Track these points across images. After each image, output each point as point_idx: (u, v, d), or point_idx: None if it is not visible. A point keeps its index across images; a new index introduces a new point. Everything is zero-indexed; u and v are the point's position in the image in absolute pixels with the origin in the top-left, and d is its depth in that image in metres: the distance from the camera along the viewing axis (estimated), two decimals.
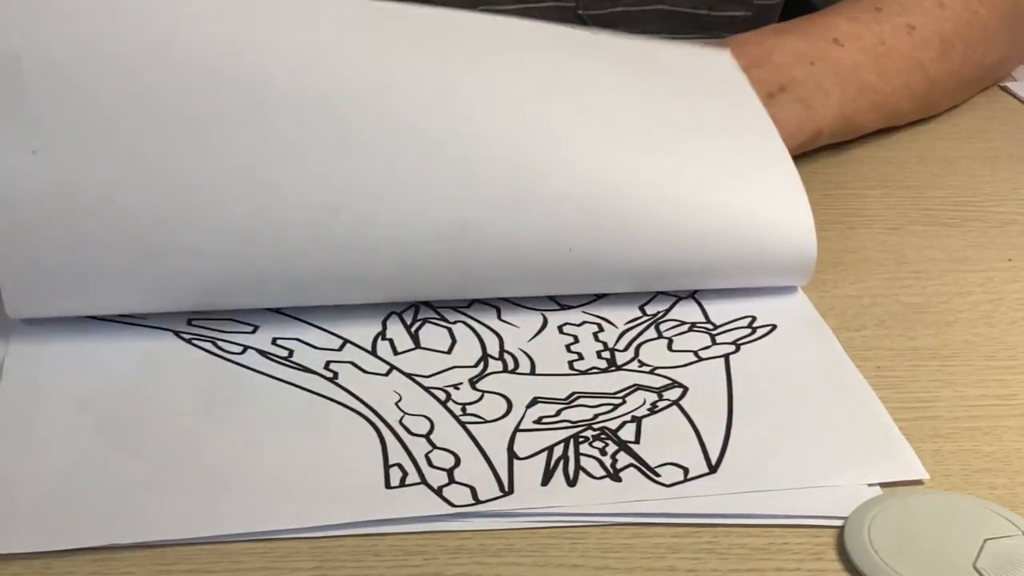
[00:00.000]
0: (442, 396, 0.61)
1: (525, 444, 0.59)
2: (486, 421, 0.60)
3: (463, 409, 0.61)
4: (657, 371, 0.63)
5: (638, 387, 0.62)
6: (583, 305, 0.67)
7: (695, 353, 0.64)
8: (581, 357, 0.64)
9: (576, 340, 0.65)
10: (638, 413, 0.61)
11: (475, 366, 0.63)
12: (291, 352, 0.64)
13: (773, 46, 0.76)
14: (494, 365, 0.64)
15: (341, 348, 0.64)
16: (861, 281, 0.66)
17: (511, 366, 0.63)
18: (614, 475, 0.57)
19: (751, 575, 0.53)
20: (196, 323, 0.65)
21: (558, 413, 0.61)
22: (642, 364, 0.63)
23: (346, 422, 0.60)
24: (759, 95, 0.72)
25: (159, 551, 0.53)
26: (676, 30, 1.04)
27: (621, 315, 0.67)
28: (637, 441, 0.59)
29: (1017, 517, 0.55)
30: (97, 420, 0.59)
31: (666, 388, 0.62)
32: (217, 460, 0.57)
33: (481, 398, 0.61)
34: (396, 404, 0.61)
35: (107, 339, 0.64)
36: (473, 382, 0.62)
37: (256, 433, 0.59)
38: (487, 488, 0.56)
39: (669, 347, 0.65)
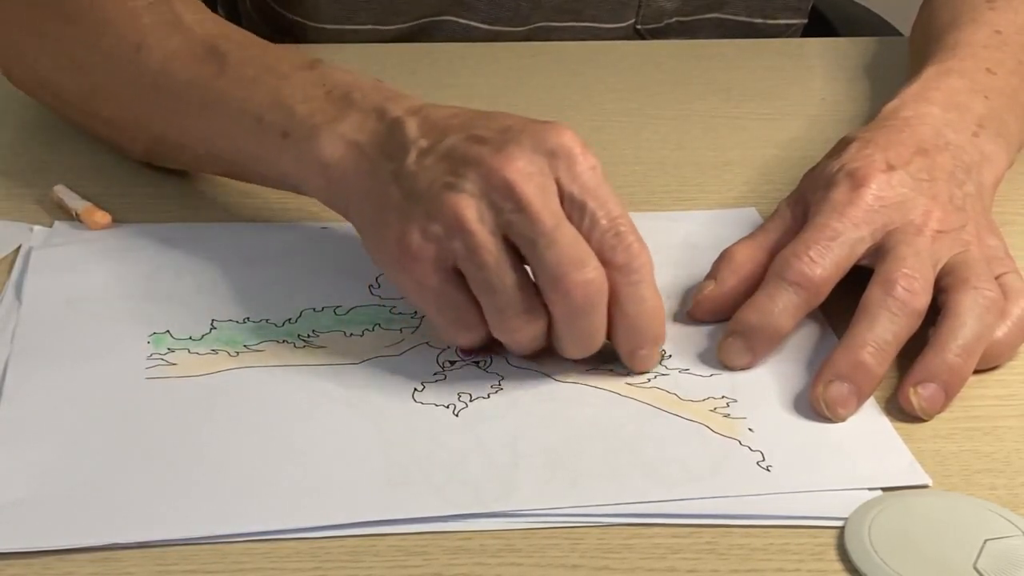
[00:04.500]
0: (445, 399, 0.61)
1: (527, 443, 0.59)
2: (488, 419, 0.60)
3: (464, 407, 0.61)
4: (659, 379, 0.64)
5: (642, 389, 0.62)
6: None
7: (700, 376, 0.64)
8: (592, 365, 0.64)
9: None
10: (641, 412, 0.61)
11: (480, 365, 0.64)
12: (292, 351, 0.64)
13: (948, 89, 0.75)
14: (498, 363, 0.64)
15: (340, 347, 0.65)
16: (860, 283, 0.66)
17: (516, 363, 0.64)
18: (615, 474, 0.57)
19: (751, 575, 0.53)
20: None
21: (561, 412, 0.61)
22: (649, 380, 0.63)
23: (347, 422, 0.60)
24: (965, 135, 0.71)
25: (159, 551, 0.53)
26: (730, 38, 1.04)
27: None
28: (640, 440, 0.59)
29: (1017, 517, 0.55)
30: (98, 421, 0.59)
31: (667, 391, 0.62)
32: (217, 461, 0.57)
33: (485, 397, 0.61)
34: (397, 403, 0.61)
35: (109, 341, 0.64)
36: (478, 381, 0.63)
37: (256, 433, 0.59)
38: (487, 488, 0.56)
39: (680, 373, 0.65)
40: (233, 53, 0.71)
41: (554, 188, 0.60)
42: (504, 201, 0.59)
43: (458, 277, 0.60)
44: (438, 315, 0.62)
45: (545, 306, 0.60)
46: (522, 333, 0.61)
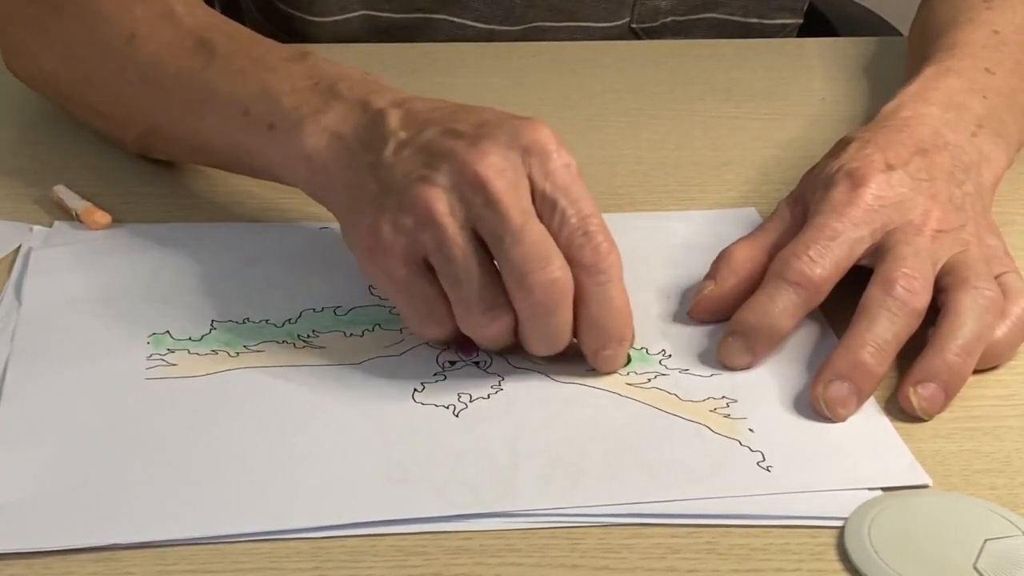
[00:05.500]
0: (446, 400, 0.61)
1: (527, 443, 0.59)
2: (488, 420, 0.60)
3: (464, 407, 0.61)
4: (659, 379, 0.64)
5: (642, 389, 0.62)
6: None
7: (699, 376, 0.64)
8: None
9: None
10: (642, 413, 0.61)
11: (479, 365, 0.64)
12: (292, 352, 0.64)
13: (947, 89, 0.75)
14: (498, 363, 0.64)
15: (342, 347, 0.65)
16: (860, 283, 0.66)
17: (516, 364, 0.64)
18: (616, 475, 0.57)
19: (751, 575, 0.53)
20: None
21: (561, 412, 0.61)
22: (649, 380, 0.63)
23: (347, 422, 0.60)
24: (964, 135, 0.71)
25: (159, 551, 0.53)
26: (725, 37, 1.04)
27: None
28: (640, 441, 0.59)
29: (1017, 517, 0.55)
30: (98, 421, 0.59)
31: (668, 391, 0.62)
32: (217, 460, 0.57)
33: (485, 397, 0.61)
34: (397, 403, 0.61)
35: (109, 342, 0.64)
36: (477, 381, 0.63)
37: (256, 434, 0.59)
38: (487, 488, 0.56)
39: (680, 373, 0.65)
40: (222, 45, 0.71)
41: (526, 184, 0.60)
42: (474, 196, 0.59)
43: (428, 270, 0.61)
44: (407, 307, 0.62)
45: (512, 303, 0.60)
46: (488, 329, 0.61)
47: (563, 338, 0.61)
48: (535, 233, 0.59)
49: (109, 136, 0.80)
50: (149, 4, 0.74)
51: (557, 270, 0.59)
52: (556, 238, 0.60)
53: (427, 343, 0.65)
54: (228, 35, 0.72)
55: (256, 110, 0.67)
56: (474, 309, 0.60)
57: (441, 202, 0.59)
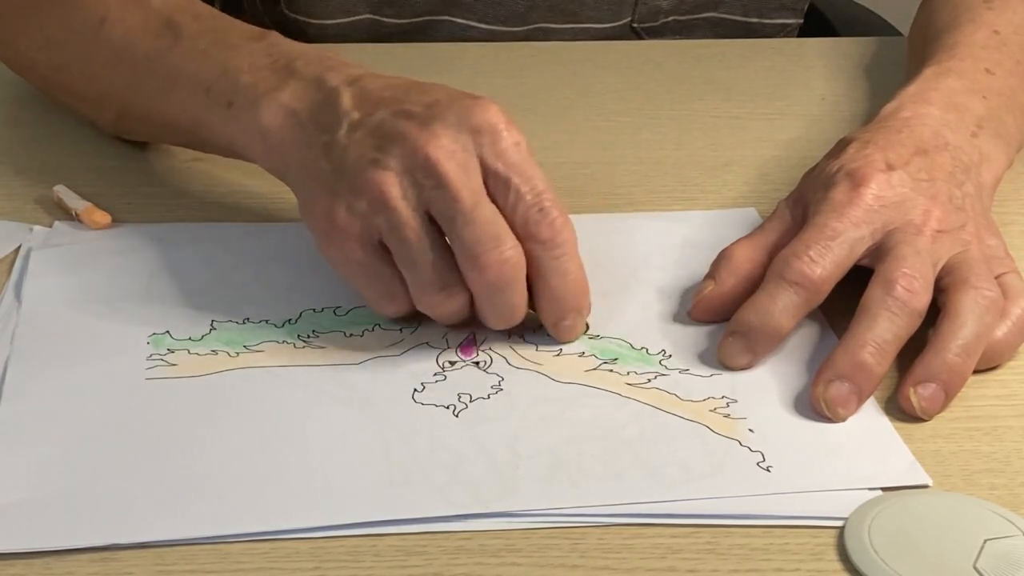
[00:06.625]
0: (447, 400, 0.61)
1: (528, 444, 0.59)
2: (488, 420, 0.60)
3: (464, 407, 0.61)
4: (659, 379, 0.64)
5: (642, 389, 0.62)
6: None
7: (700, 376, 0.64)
8: (593, 366, 0.64)
9: (583, 354, 0.65)
10: (641, 413, 0.61)
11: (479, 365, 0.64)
12: (292, 352, 0.64)
13: (947, 89, 0.75)
14: (498, 363, 0.64)
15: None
16: (860, 283, 0.66)
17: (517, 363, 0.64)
18: (616, 475, 0.57)
19: (751, 575, 0.53)
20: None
21: (561, 412, 0.61)
22: (649, 380, 0.63)
23: (347, 422, 0.60)
24: (964, 135, 0.71)
25: (159, 551, 0.53)
26: (726, 37, 1.04)
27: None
28: (640, 441, 0.59)
29: (1017, 517, 0.55)
30: (98, 421, 0.59)
31: (668, 391, 0.62)
32: (217, 460, 0.57)
33: (485, 397, 0.61)
34: (397, 403, 0.61)
35: (109, 342, 0.64)
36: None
37: (256, 434, 0.59)
38: (488, 488, 0.56)
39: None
40: (188, 26, 0.72)
41: (476, 165, 0.61)
42: (425, 178, 0.61)
43: (383, 251, 0.62)
44: (365, 288, 0.64)
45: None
46: (443, 307, 0.62)
47: (518, 313, 0.63)
48: (486, 214, 0.60)
49: (87, 118, 0.81)
50: None
51: (508, 250, 0.60)
52: (511, 216, 0.61)
53: (427, 343, 0.65)
54: (194, 15, 0.73)
55: (216, 88, 0.69)
56: (429, 289, 0.62)
57: (394, 186, 0.61)
